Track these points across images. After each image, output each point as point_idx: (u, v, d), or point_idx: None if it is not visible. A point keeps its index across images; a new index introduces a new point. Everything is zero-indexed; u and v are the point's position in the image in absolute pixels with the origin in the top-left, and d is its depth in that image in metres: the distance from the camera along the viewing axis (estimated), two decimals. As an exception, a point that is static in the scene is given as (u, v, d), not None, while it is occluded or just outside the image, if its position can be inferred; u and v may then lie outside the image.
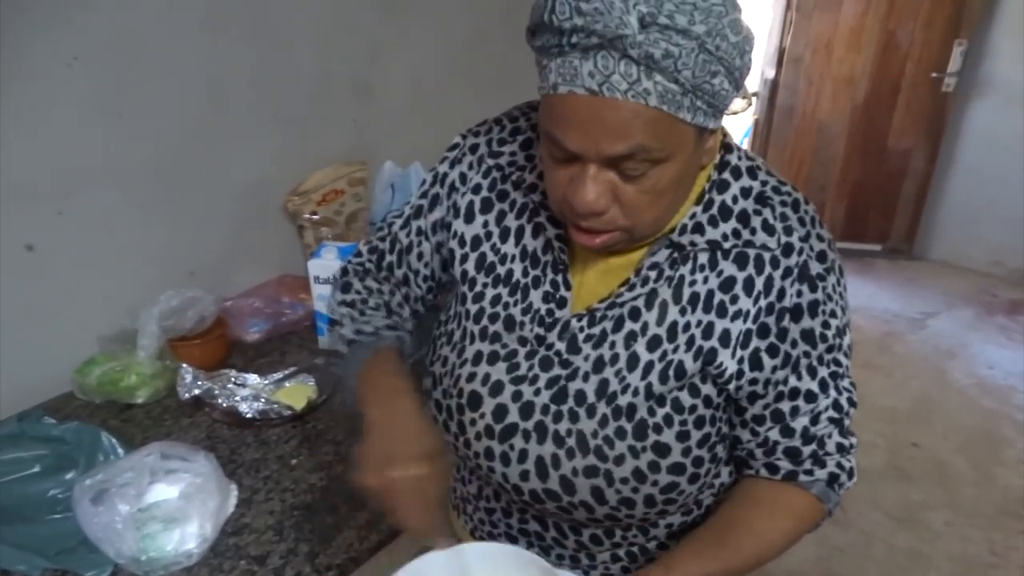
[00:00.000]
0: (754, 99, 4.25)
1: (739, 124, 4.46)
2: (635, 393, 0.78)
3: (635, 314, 0.80)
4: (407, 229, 0.96)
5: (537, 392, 0.82)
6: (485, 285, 0.87)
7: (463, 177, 0.90)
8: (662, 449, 0.78)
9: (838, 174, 4.26)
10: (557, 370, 0.82)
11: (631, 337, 0.79)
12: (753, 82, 4.23)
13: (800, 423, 0.80)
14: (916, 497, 2.50)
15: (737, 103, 0.74)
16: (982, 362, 3.32)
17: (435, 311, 0.99)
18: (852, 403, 0.82)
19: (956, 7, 3.78)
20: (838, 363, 0.80)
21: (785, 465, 0.82)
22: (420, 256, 0.96)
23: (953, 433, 2.84)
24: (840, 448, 0.82)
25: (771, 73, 4.22)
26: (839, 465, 0.82)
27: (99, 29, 1.26)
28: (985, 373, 3.23)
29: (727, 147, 0.81)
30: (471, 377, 0.85)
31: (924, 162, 4.13)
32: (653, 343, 0.79)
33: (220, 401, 1.26)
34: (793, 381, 0.79)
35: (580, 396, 0.80)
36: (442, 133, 0.99)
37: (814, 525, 0.85)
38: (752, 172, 0.80)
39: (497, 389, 0.83)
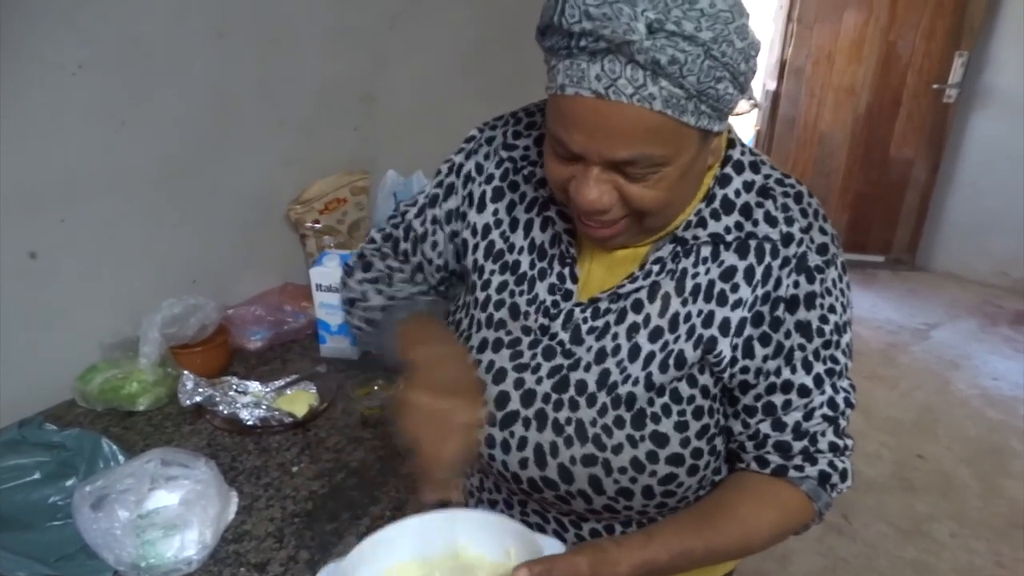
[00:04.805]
0: (755, 109, 4.26)
1: (742, 135, 4.47)
2: (635, 383, 0.79)
3: (638, 306, 0.80)
4: (422, 218, 0.97)
5: (539, 380, 0.82)
6: (492, 272, 0.89)
7: (479, 167, 0.92)
8: (660, 439, 0.78)
9: (840, 185, 4.27)
10: (559, 359, 0.82)
11: (633, 328, 0.80)
12: (755, 93, 4.24)
13: (792, 418, 0.79)
14: (921, 509, 2.48)
15: (741, 104, 0.75)
16: (987, 373, 3.31)
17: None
18: (850, 404, 0.81)
19: (957, 18, 3.80)
20: (835, 360, 0.79)
21: (775, 459, 0.81)
22: (434, 245, 0.96)
23: (958, 444, 2.82)
24: (833, 448, 0.80)
25: (772, 84, 4.24)
26: (831, 464, 0.80)
27: (104, 37, 1.27)
28: (990, 384, 3.22)
29: (730, 143, 0.82)
30: (475, 364, 0.86)
31: (926, 173, 4.14)
32: (655, 334, 0.79)
33: (221, 408, 1.25)
34: (786, 373, 0.78)
35: (581, 385, 0.81)
36: (445, 142, 0.99)
37: (803, 525, 0.84)
38: (755, 166, 0.81)
39: (500, 376, 0.84)
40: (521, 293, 0.86)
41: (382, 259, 1.01)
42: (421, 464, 0.72)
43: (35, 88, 1.20)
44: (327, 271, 1.44)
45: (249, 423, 1.24)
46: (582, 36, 0.63)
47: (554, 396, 0.81)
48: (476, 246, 0.91)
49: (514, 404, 0.83)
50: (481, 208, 0.91)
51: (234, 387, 1.31)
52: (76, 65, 1.24)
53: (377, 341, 0.92)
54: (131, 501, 0.97)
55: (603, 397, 0.79)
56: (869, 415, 2.96)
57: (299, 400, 1.30)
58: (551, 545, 0.72)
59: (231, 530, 1.03)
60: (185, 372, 1.28)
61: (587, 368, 0.81)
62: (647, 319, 0.80)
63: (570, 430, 0.80)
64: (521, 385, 0.83)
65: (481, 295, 0.89)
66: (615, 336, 0.81)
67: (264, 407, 1.27)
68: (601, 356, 0.81)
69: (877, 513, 2.43)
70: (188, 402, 1.25)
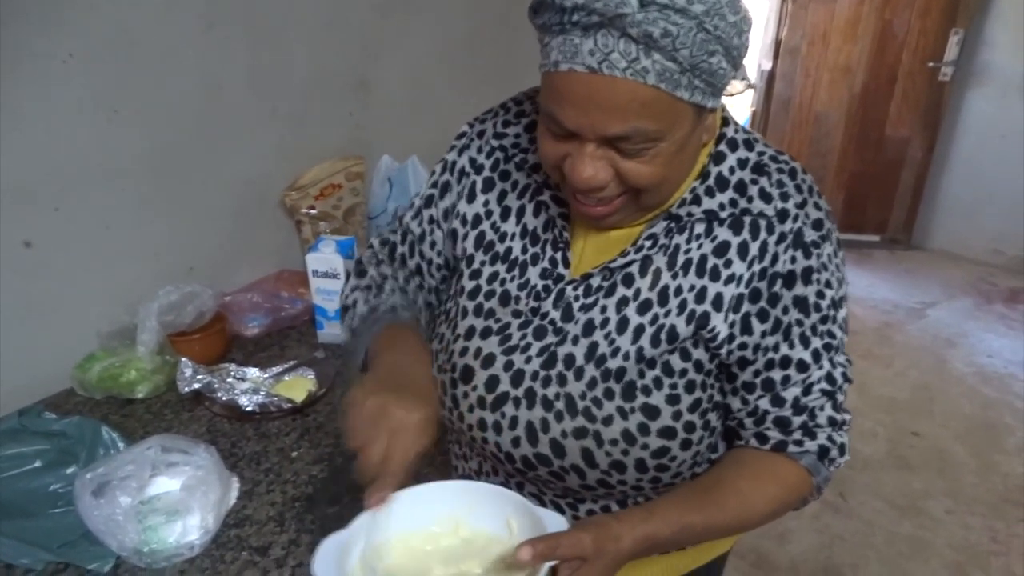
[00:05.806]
0: (750, 90, 4.24)
1: (737, 115, 4.46)
2: (625, 357, 0.79)
3: (628, 280, 0.81)
4: (419, 219, 0.97)
5: (528, 360, 0.83)
6: (483, 263, 0.89)
7: (472, 162, 0.92)
8: (651, 411, 0.79)
9: (836, 164, 4.26)
10: (550, 338, 0.83)
11: (623, 302, 0.80)
12: (750, 73, 4.23)
13: (791, 393, 0.80)
14: (917, 485, 2.50)
15: (736, 84, 0.75)
16: (982, 351, 3.32)
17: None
18: (847, 378, 0.81)
19: (952, -4, 3.78)
20: (832, 335, 0.80)
21: (775, 435, 0.82)
22: (433, 244, 0.96)
23: (953, 422, 2.85)
24: (832, 422, 0.81)
25: (768, 65, 4.22)
26: (830, 439, 0.81)
27: (95, 26, 1.26)
28: (985, 362, 3.24)
29: (724, 121, 0.82)
30: (463, 352, 0.86)
31: (922, 151, 4.13)
32: (644, 307, 0.80)
33: (220, 395, 1.26)
34: (784, 349, 0.79)
35: (569, 359, 0.81)
36: (439, 128, 0.99)
37: (801, 500, 0.85)
38: (749, 144, 0.81)
39: (489, 361, 0.84)
40: (512, 279, 0.86)
41: (376, 266, 1.01)
42: (361, 464, 0.71)
43: (26, 78, 1.19)
44: (323, 257, 1.44)
45: (248, 409, 1.25)
46: (575, 11, 0.63)
47: (542, 373, 0.82)
48: (466, 235, 0.91)
49: (504, 386, 0.83)
50: (471, 199, 0.91)
51: (232, 374, 1.31)
52: (67, 54, 1.23)
53: (355, 347, 0.92)
54: (132, 487, 0.97)
55: (591, 370, 0.80)
56: (865, 393, 2.98)
57: (297, 386, 1.31)
58: (551, 517, 0.73)
59: (232, 515, 1.04)
60: (183, 359, 1.28)
61: (575, 341, 0.81)
62: (637, 293, 0.80)
63: (560, 405, 0.80)
64: (511, 367, 0.83)
65: (470, 284, 0.89)
66: (604, 309, 0.81)
67: (263, 393, 1.27)
68: (589, 329, 0.81)
69: (873, 490, 2.45)
70: (187, 389, 1.26)
